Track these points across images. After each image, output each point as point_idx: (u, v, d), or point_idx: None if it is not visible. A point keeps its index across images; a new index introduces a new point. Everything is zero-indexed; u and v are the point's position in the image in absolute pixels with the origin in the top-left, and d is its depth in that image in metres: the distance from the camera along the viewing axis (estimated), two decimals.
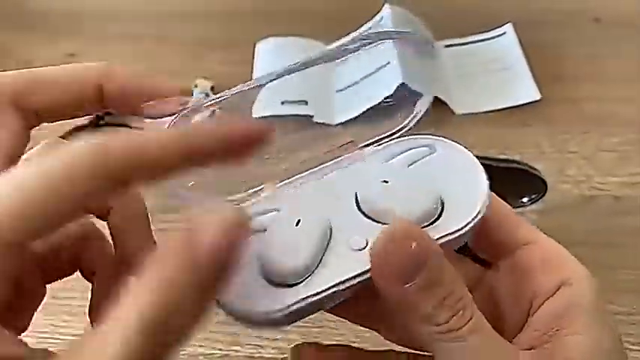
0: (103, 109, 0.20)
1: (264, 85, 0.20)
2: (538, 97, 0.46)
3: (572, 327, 0.18)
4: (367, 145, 0.22)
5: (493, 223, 0.20)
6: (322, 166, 0.21)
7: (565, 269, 0.20)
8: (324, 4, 0.55)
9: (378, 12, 0.49)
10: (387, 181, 0.20)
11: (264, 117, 0.42)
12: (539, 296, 0.20)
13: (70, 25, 0.55)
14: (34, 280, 0.20)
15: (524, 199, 0.36)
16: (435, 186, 0.20)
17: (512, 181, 0.35)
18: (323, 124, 0.41)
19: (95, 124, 0.45)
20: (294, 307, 0.18)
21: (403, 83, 0.42)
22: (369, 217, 0.20)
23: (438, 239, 0.18)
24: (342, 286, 0.18)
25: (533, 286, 0.20)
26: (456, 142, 0.21)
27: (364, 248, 0.19)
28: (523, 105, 0.45)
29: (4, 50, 0.52)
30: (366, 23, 0.49)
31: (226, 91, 0.21)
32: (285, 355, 0.33)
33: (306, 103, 0.45)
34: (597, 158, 0.42)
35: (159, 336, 0.13)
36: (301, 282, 0.18)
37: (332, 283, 0.18)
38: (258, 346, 0.34)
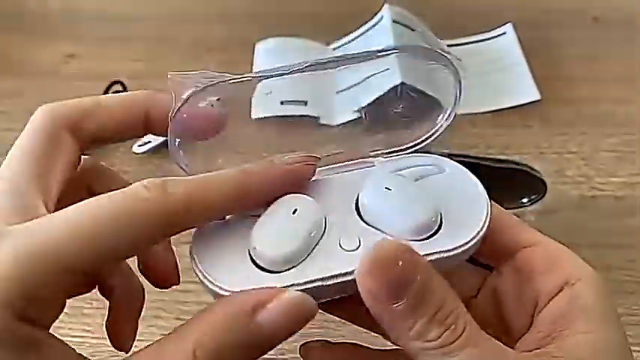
0: (149, 133, 0.22)
1: (268, 77, 0.21)
2: (538, 97, 0.46)
3: (574, 327, 0.18)
4: (380, 155, 0.22)
5: (494, 227, 0.20)
6: (332, 166, 0.22)
7: (567, 269, 0.20)
8: (323, 4, 0.55)
9: (378, 12, 0.49)
10: (389, 189, 0.20)
11: (266, 117, 0.42)
12: (542, 297, 0.20)
13: (70, 26, 0.55)
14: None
15: (524, 200, 0.36)
16: (435, 202, 0.20)
17: (511, 181, 0.35)
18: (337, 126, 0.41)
19: None
20: None
21: (403, 82, 0.42)
22: (364, 221, 0.20)
23: (429, 255, 0.19)
24: (324, 283, 0.18)
25: (536, 287, 0.20)
26: (465, 168, 0.22)
27: (354, 250, 0.19)
28: (522, 105, 0.45)
29: (4, 51, 0.52)
30: (365, 23, 0.50)
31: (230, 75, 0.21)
32: (283, 356, 0.33)
33: (305, 103, 0.45)
34: (597, 158, 0.42)
35: None
36: (284, 271, 0.18)
37: (313, 278, 0.18)
38: None
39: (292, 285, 0.18)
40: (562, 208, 0.39)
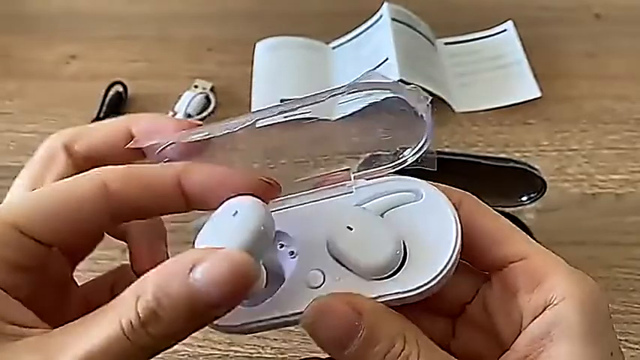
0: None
1: (254, 123, 0.21)
2: (538, 94, 0.45)
3: (553, 348, 0.18)
4: (362, 177, 0.22)
5: (482, 239, 0.20)
6: (313, 190, 0.22)
7: (550, 288, 0.19)
8: (323, 3, 0.55)
9: (378, 10, 0.49)
10: (351, 228, 0.20)
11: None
12: (525, 317, 0.20)
13: (70, 27, 0.55)
14: (61, 270, 0.21)
15: (524, 198, 0.36)
16: (398, 241, 0.20)
17: (510, 180, 0.35)
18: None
19: None
20: (245, 326, 0.20)
21: (401, 79, 0.42)
22: (333, 256, 0.21)
23: (386, 296, 0.19)
24: (287, 319, 0.20)
25: (520, 305, 0.20)
26: (444, 195, 0.21)
27: (318, 287, 0.20)
28: (523, 103, 0.45)
29: (5, 52, 0.52)
30: (365, 22, 0.49)
31: (218, 124, 0.21)
32: (284, 356, 0.33)
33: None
34: (598, 156, 0.42)
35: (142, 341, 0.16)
36: (256, 304, 0.20)
37: (276, 315, 0.20)
38: (258, 346, 0.34)
39: (254, 322, 0.20)
40: (563, 206, 0.39)
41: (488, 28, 0.51)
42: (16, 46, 0.53)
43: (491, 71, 0.48)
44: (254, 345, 0.34)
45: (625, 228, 0.38)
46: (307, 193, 0.22)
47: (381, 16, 0.48)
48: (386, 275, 0.20)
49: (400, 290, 0.19)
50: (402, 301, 0.19)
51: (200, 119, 0.46)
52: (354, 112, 0.22)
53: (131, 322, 0.16)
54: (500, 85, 0.47)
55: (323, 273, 0.20)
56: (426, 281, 0.19)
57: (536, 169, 0.36)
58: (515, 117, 0.45)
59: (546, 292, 0.19)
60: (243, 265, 0.16)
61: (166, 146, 0.22)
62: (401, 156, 0.21)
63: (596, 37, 0.51)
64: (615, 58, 0.49)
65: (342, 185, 0.22)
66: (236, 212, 0.19)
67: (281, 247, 0.21)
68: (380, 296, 0.19)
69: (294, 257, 0.21)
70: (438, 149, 0.23)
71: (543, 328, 0.19)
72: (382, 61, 0.45)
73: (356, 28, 0.50)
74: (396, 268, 0.20)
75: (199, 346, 0.34)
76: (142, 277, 0.16)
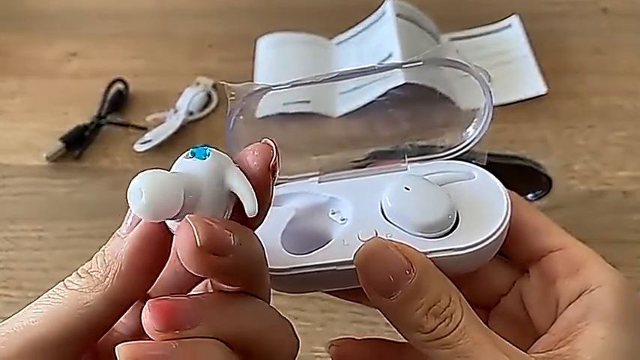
0: None
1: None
2: (544, 90, 0.45)
3: (589, 332, 0.19)
4: (414, 161, 0.23)
5: (524, 230, 0.21)
6: (367, 169, 0.24)
7: (589, 275, 0.20)
8: None
9: (381, 5, 0.48)
10: (408, 188, 0.21)
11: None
12: (562, 302, 0.20)
13: (70, 24, 0.54)
14: None
15: (529, 196, 0.35)
16: (451, 204, 0.21)
17: (516, 177, 0.35)
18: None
19: (97, 124, 0.44)
20: (293, 271, 0.21)
21: (406, 82, 0.41)
22: (386, 217, 0.21)
23: (436, 252, 0.19)
24: (334, 267, 0.20)
25: (558, 291, 0.20)
26: (493, 176, 0.22)
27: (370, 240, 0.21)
28: (529, 99, 0.45)
29: (5, 50, 0.52)
30: (368, 17, 0.49)
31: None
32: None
33: (308, 102, 0.44)
34: (605, 152, 0.41)
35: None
36: (307, 254, 0.21)
37: (326, 262, 0.20)
38: None
39: (304, 267, 0.20)
40: (569, 203, 0.38)
41: (493, 23, 0.50)
42: (16, 43, 0.52)
43: (496, 67, 0.48)
44: None
45: (632, 225, 0.37)
46: (361, 171, 0.23)
47: (384, 12, 0.48)
48: (438, 235, 0.20)
49: (452, 247, 0.20)
50: (452, 261, 0.20)
51: (202, 116, 0.45)
52: (411, 101, 0.24)
53: None
54: (506, 81, 0.46)
55: (375, 231, 0.21)
56: (477, 241, 0.20)
57: (541, 167, 0.35)
58: (521, 113, 0.44)
59: (584, 278, 0.20)
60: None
61: None
62: (454, 146, 0.23)
63: (603, 32, 0.50)
64: (623, 53, 0.48)
65: (395, 165, 0.23)
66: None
67: (332, 214, 0.22)
68: (431, 251, 0.19)
69: (345, 222, 0.22)
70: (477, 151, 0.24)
71: (579, 312, 0.19)
72: (386, 56, 0.44)
73: (359, 23, 0.49)
74: (448, 230, 0.20)
75: None
76: None
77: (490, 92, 0.22)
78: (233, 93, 0.22)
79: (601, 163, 0.40)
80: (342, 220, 0.22)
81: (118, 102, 0.46)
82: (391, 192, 0.21)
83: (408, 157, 0.23)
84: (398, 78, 0.38)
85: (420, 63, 0.23)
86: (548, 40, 0.49)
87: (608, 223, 0.37)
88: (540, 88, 0.45)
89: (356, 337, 0.24)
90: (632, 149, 0.41)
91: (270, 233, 0.21)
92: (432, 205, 0.20)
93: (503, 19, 0.50)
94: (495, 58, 0.48)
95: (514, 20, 0.50)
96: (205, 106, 0.46)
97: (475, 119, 0.23)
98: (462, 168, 0.22)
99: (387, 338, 0.24)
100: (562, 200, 0.38)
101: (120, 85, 0.47)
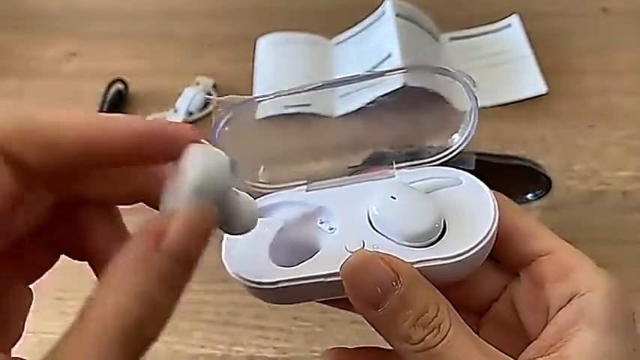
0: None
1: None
2: (544, 90, 0.45)
3: (579, 337, 0.18)
4: (402, 167, 0.23)
5: (513, 234, 0.21)
6: (355, 176, 0.23)
7: (578, 279, 0.20)
8: None
9: (380, 5, 0.48)
10: (394, 198, 0.21)
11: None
12: (552, 307, 0.20)
13: (70, 25, 0.54)
14: (16, 282, 0.19)
15: (529, 196, 0.35)
16: (438, 213, 0.21)
17: (515, 177, 0.35)
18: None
19: None
20: (280, 284, 0.20)
21: (405, 85, 0.41)
22: (373, 227, 0.21)
23: (423, 262, 0.19)
24: (321, 280, 0.20)
25: (548, 296, 0.20)
26: (481, 182, 0.22)
27: (357, 251, 0.20)
28: (529, 99, 0.45)
29: (5, 50, 0.52)
30: (368, 17, 0.49)
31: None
32: (285, 355, 0.33)
33: (308, 105, 0.44)
34: (605, 152, 0.41)
35: (134, 342, 0.14)
36: (294, 266, 0.21)
37: (313, 274, 0.20)
38: (259, 346, 0.33)
39: (291, 279, 0.20)
40: (569, 203, 0.38)
41: (493, 23, 0.50)
42: (16, 43, 0.52)
43: (496, 66, 0.47)
44: (255, 345, 0.34)
45: (632, 225, 0.37)
46: (349, 179, 0.23)
47: (384, 12, 0.48)
48: (425, 244, 0.20)
49: (438, 256, 0.19)
50: (439, 270, 0.19)
51: (201, 116, 0.45)
52: (398, 106, 0.23)
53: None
54: (506, 81, 0.46)
55: (362, 241, 0.21)
56: (463, 250, 0.20)
57: (541, 167, 0.35)
58: (521, 113, 0.44)
59: (574, 282, 0.20)
60: (202, 218, 0.16)
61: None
62: (442, 151, 0.23)
63: (603, 31, 0.50)
64: (623, 52, 0.48)
65: (382, 172, 0.23)
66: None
67: (321, 223, 0.22)
68: (418, 261, 0.19)
69: (333, 232, 0.21)
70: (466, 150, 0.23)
71: (570, 317, 0.19)
72: (385, 56, 0.44)
73: (359, 23, 0.49)
74: (435, 239, 0.20)
75: (201, 347, 0.34)
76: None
77: (475, 97, 0.22)
78: (218, 105, 0.22)
79: (601, 163, 0.40)
80: (331, 229, 0.22)
81: (118, 102, 0.46)
82: (378, 201, 0.21)
83: (396, 163, 0.23)
84: (396, 80, 0.38)
85: (405, 71, 0.23)
86: (548, 39, 0.49)
87: (608, 223, 0.37)
88: (540, 88, 0.45)
89: (349, 347, 0.24)
90: (632, 149, 0.41)
91: (258, 246, 0.21)
92: (419, 215, 0.20)
93: (503, 19, 0.50)
94: (495, 57, 0.48)
95: (514, 20, 0.50)
96: (205, 106, 0.46)
97: (462, 124, 0.23)
98: (449, 174, 0.22)
99: (382, 346, 0.23)
100: (562, 200, 0.38)
101: (120, 85, 0.47)
